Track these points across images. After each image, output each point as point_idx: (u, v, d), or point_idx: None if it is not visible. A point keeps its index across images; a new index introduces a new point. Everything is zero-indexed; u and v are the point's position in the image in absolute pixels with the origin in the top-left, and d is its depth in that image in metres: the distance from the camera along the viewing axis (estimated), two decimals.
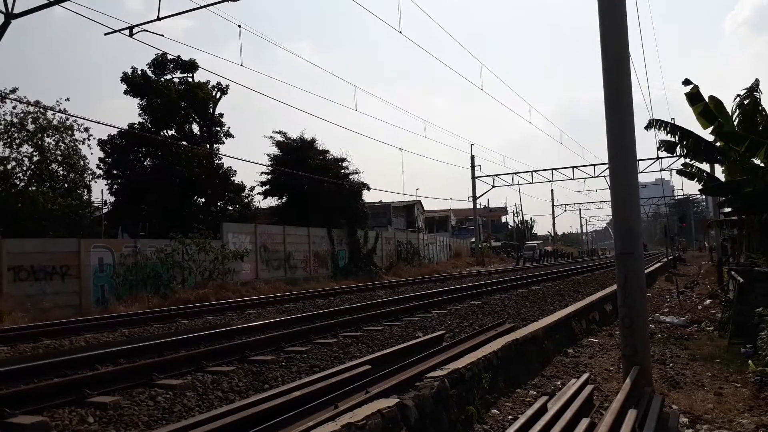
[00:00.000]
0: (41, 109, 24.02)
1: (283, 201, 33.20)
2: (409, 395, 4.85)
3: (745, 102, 14.17)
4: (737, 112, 14.36)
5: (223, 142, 31.20)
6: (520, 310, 12.72)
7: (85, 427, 4.98)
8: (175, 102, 28.21)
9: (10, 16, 14.40)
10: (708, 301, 14.68)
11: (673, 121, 14.18)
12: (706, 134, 14.03)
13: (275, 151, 32.72)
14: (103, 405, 5.49)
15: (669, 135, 14.07)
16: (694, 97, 13.86)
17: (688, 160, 15.43)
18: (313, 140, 33.05)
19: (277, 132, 33.21)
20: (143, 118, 28.43)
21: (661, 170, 49.52)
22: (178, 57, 28.75)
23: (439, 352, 6.96)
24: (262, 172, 32.73)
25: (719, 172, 17.44)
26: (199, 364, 7.12)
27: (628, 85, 6.37)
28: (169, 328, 11.90)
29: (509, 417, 5.53)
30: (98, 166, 27.51)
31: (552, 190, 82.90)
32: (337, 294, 19.33)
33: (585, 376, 6.11)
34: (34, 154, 24.64)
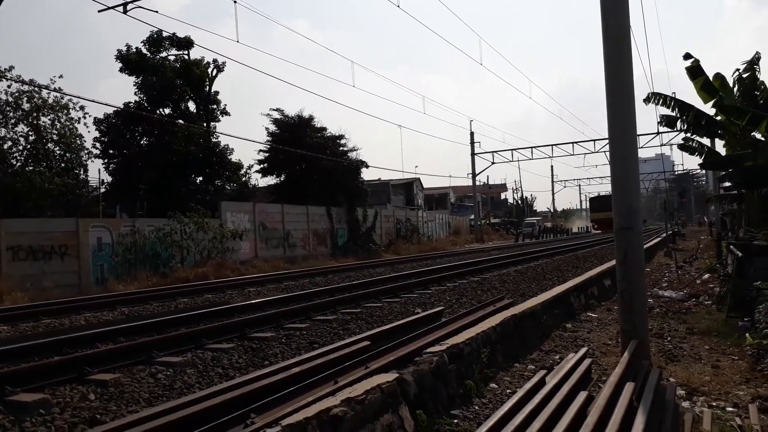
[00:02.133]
0: (36, 88, 23.85)
1: (282, 179, 33.09)
2: (408, 370, 4.88)
3: (744, 76, 14.07)
4: (737, 86, 14.27)
5: (220, 120, 31.02)
6: (519, 285, 12.76)
7: (86, 404, 5.01)
8: (171, 80, 27.93)
9: None
10: (706, 276, 14.74)
11: (673, 95, 14.08)
12: (707, 108, 13.96)
13: (273, 128, 32.52)
14: (104, 382, 5.51)
15: (669, 109, 13.99)
16: (695, 71, 13.75)
17: (688, 135, 15.37)
18: (311, 117, 32.85)
19: (274, 109, 32.95)
20: (139, 97, 28.19)
21: (662, 145, 49.73)
22: (174, 34, 28.46)
23: (437, 328, 6.99)
24: (260, 150, 32.59)
25: (720, 146, 17.40)
26: (199, 342, 7.14)
27: (628, 59, 6.29)
28: (169, 307, 11.94)
29: (508, 391, 5.57)
30: (94, 146, 27.40)
31: (552, 166, 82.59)
32: (337, 272, 19.38)
33: (583, 350, 6.14)
34: (30, 133, 24.53)
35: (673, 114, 14.15)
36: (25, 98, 24.08)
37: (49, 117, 24.97)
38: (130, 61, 27.85)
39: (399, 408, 4.44)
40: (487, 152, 50.06)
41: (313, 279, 17.03)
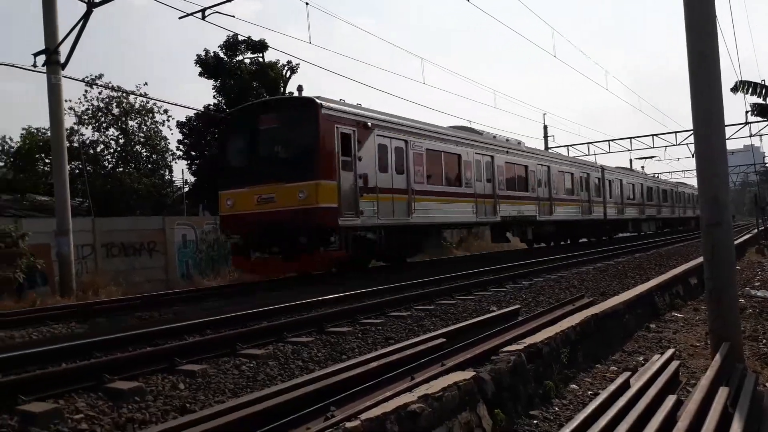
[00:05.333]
0: (124, 94, 25.29)
1: None
2: (485, 369, 4.85)
3: None
4: None
5: None
6: (599, 284, 12.36)
7: (176, 393, 5.27)
8: (248, 82, 28.84)
9: (91, 5, 15.09)
10: None
11: (764, 83, 13.19)
12: None
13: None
14: (192, 373, 5.78)
15: (760, 98, 13.13)
16: None
17: None
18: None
19: None
20: (218, 100, 29.29)
21: (751, 136, 46.14)
22: (249, 37, 29.31)
23: (514, 327, 6.89)
24: None
25: None
26: (280, 335, 7.36)
27: (714, 46, 5.96)
28: (252, 301, 12.33)
29: (589, 392, 5.42)
30: (178, 147, 28.73)
31: (630, 160, 78.83)
32: (407, 269, 19.41)
33: (670, 351, 5.88)
34: (120, 137, 26.05)
35: (765, 102, 13.27)
36: (115, 103, 25.59)
37: (136, 121, 26.43)
38: (208, 66, 28.97)
39: (477, 406, 4.42)
40: (561, 146, 48.29)
41: (386, 276, 17.13)
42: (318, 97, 14.17)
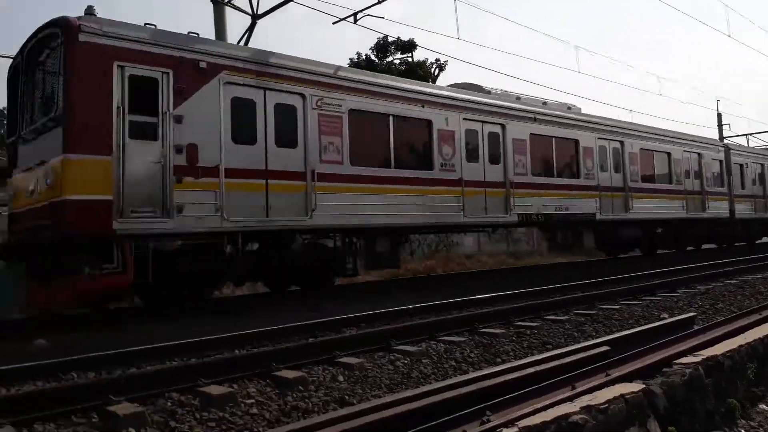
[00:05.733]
0: None
1: None
2: (655, 381, 4.49)
3: None
4: None
5: None
6: None
7: (336, 385, 5.48)
8: None
9: (255, 17, 16.30)
10: None
11: None
12: None
13: None
14: (351, 366, 5.96)
15: None
16: None
17: None
18: None
19: None
20: None
21: None
22: (398, 38, 29.91)
23: (688, 336, 6.24)
24: None
25: None
26: (432, 333, 7.38)
27: None
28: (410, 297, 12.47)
29: None
30: None
31: None
32: (564, 268, 18.57)
33: None
34: None
35: None
36: None
37: None
38: (361, 68, 30.10)
39: (647, 422, 4.08)
40: (739, 135, 43.32)
41: (540, 275, 16.53)
42: (87, 17, 8.78)
